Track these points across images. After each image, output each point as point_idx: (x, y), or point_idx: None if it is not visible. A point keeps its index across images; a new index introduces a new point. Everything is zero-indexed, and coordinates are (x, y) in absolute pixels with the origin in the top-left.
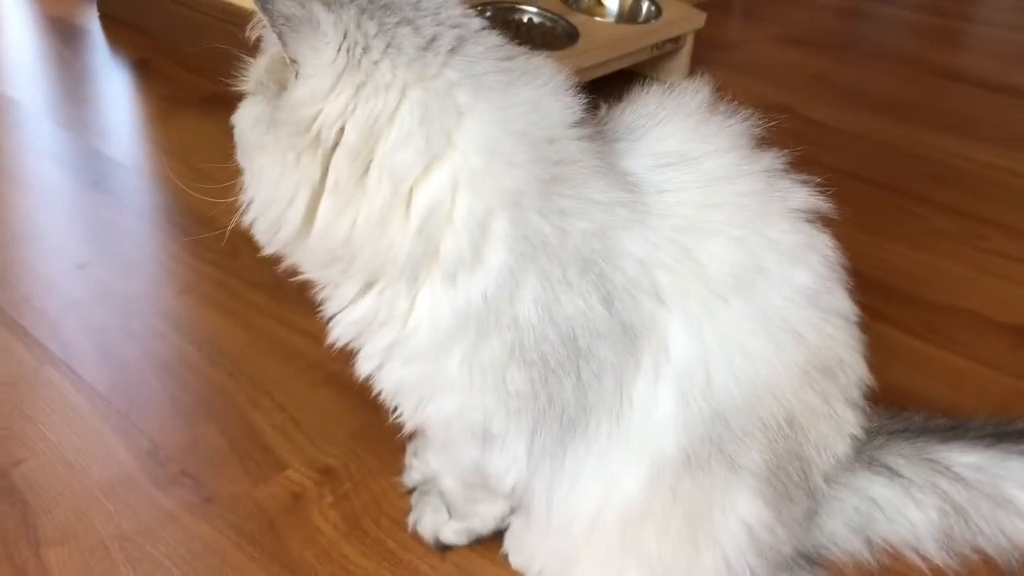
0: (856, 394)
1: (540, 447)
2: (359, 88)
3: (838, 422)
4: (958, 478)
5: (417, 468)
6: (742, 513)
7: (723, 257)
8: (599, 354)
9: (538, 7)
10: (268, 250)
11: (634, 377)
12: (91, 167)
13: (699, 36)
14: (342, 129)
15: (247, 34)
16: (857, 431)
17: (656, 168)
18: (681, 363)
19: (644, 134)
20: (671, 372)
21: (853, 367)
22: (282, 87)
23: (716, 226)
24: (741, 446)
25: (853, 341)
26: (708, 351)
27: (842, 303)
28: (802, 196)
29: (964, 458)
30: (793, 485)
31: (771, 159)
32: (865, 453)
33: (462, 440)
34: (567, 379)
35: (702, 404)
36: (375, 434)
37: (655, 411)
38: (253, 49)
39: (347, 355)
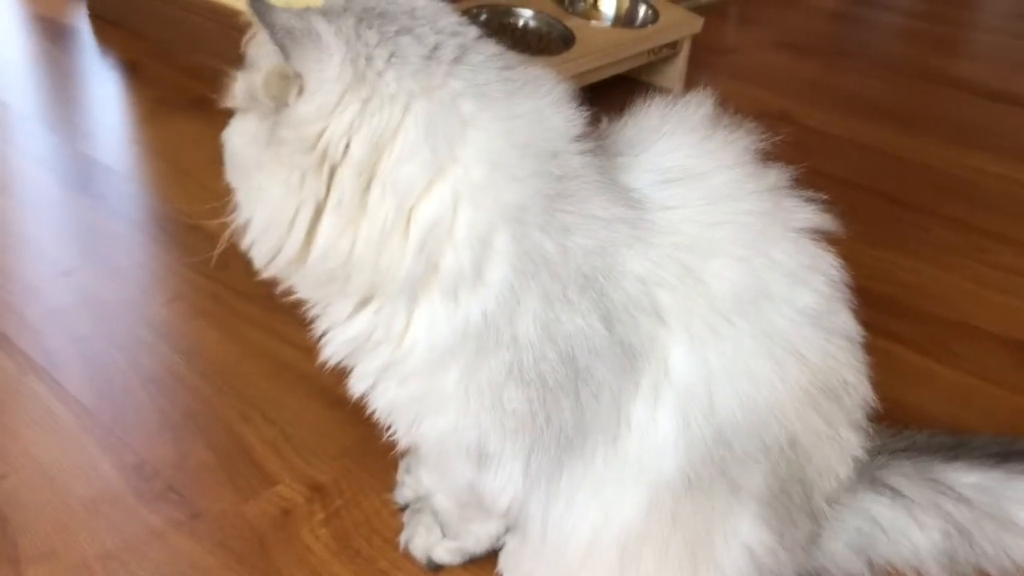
0: (860, 416)
1: (537, 467)
2: (365, 102)
3: (841, 445)
4: (962, 499)
5: (409, 485)
6: (744, 537)
7: (726, 277)
8: (597, 374)
9: (534, 11)
10: (266, 273)
11: (632, 398)
12: (78, 171)
13: (696, 41)
14: (347, 145)
15: (242, 49)
16: (860, 453)
17: (659, 184)
18: (682, 384)
19: (646, 148)
20: (672, 393)
21: (857, 388)
22: (282, 103)
23: (720, 245)
24: (743, 469)
25: (857, 362)
26: (711, 372)
27: (846, 324)
28: (807, 215)
29: (968, 478)
30: (796, 508)
31: (776, 176)
32: (867, 473)
33: (456, 459)
34: (565, 399)
35: (704, 426)
36: (367, 450)
37: (654, 433)
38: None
39: (340, 369)
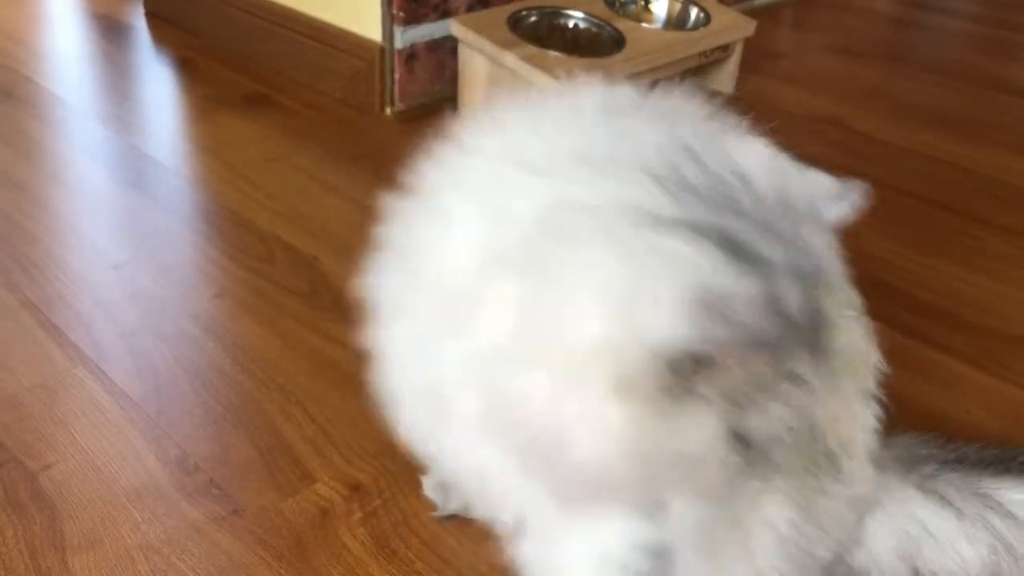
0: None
1: None
2: None
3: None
4: (1009, 515)
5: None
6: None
7: None
8: None
9: (584, 12)
10: None
11: None
12: (131, 166)
13: (748, 44)
14: None
15: None
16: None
17: None
18: None
19: None
20: None
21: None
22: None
23: None
24: None
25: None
26: None
27: None
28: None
29: (1017, 495)
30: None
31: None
32: (914, 476)
33: None
34: None
35: None
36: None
37: None
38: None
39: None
